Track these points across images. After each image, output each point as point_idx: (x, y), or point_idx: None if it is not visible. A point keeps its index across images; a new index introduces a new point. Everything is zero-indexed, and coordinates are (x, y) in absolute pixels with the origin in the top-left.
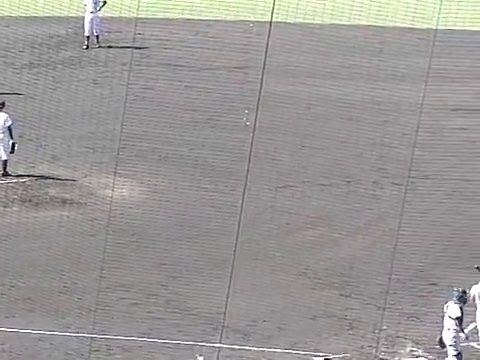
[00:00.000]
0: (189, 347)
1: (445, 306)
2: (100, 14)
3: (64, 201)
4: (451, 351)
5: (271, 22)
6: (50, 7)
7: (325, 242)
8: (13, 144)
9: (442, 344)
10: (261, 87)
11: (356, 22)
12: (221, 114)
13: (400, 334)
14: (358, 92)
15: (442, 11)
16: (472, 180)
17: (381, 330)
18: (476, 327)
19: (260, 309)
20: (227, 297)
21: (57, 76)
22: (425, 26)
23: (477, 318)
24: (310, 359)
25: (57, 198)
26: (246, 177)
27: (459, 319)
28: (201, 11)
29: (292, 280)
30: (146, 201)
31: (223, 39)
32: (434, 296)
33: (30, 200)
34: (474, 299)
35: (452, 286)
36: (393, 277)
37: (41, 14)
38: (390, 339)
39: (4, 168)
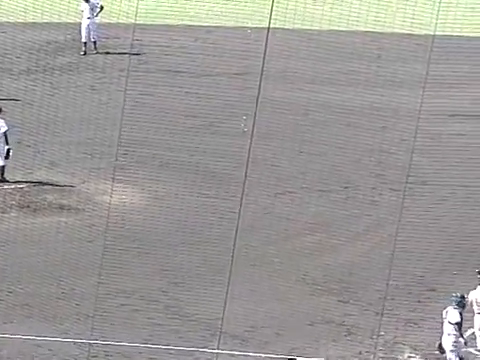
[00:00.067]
0: (188, 353)
1: (444, 312)
2: (97, 20)
3: (62, 207)
4: (452, 357)
5: (269, 28)
6: (48, 13)
7: (323, 248)
8: (8, 150)
9: (441, 350)
10: (259, 93)
11: (354, 28)
12: (221, 120)
13: (398, 340)
14: (356, 98)
15: (440, 17)
16: (470, 186)
17: (379, 336)
18: (474, 333)
19: (258, 315)
20: (225, 303)
21: (55, 82)
22: (423, 32)
23: (475, 324)
24: None
25: (55, 204)
26: (244, 183)
27: (459, 324)
28: (200, 17)
29: (290, 286)
30: (146, 207)
31: (222, 45)
32: (432, 302)
33: (28, 206)
34: (472, 304)
35: (450, 292)
36: (391, 283)
37: (39, 20)
38: (388, 345)
39: (1, 174)
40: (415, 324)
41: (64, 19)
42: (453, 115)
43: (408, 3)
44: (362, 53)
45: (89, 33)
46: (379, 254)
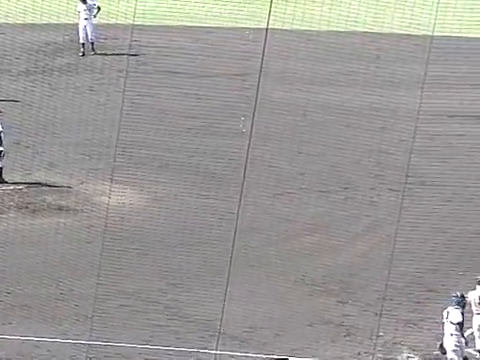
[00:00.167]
0: (188, 354)
1: (445, 312)
2: (95, 21)
3: (61, 208)
4: (455, 357)
5: (267, 29)
6: (47, 14)
7: (323, 249)
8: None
9: (443, 350)
10: (258, 94)
11: (353, 29)
12: (220, 121)
13: (397, 340)
14: (355, 99)
15: (438, 18)
16: (469, 186)
17: (378, 336)
18: (473, 333)
19: (258, 315)
20: (224, 304)
21: (53, 83)
22: (422, 33)
23: (473, 324)
24: None
25: (54, 205)
26: (242, 184)
27: (461, 324)
28: (199, 18)
29: (290, 287)
30: (145, 208)
31: (221, 46)
32: (431, 302)
33: (27, 207)
34: (471, 305)
35: (449, 292)
36: (390, 283)
37: (38, 21)
38: (387, 345)
39: (0, 175)
40: (414, 325)
41: (63, 20)
42: (452, 116)
43: (406, 4)
44: (361, 54)
45: (87, 34)
46: (378, 255)
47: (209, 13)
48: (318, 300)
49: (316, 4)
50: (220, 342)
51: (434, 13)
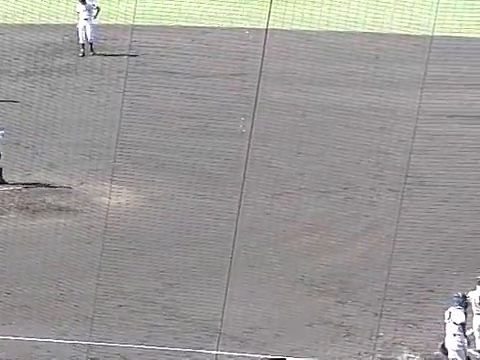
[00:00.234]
0: (186, 354)
1: (446, 313)
2: (96, 21)
3: (60, 208)
4: (458, 357)
5: (267, 29)
6: (46, 15)
7: (322, 249)
8: None
9: (444, 350)
10: (257, 94)
11: (352, 29)
12: (217, 121)
13: (397, 340)
14: (355, 99)
15: (438, 18)
16: (469, 186)
17: (378, 337)
18: (473, 333)
19: (257, 316)
20: (224, 304)
21: (53, 84)
22: (421, 33)
23: (473, 324)
24: None
25: (53, 205)
26: (242, 184)
27: (463, 324)
28: (197, 18)
29: (289, 287)
30: (143, 208)
31: (219, 46)
32: (431, 302)
33: (27, 207)
34: (471, 305)
35: (449, 293)
36: (390, 284)
37: (37, 22)
38: (387, 345)
39: None
40: (414, 325)
41: (62, 21)
42: (452, 116)
43: (406, 4)
44: (360, 54)
45: (86, 35)
46: (378, 255)
47: (207, 13)
48: (317, 300)
49: (315, 4)
50: (220, 342)
51: (434, 13)
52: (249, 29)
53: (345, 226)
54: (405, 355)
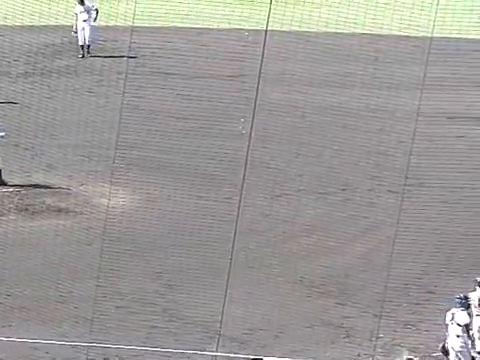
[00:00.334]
0: (186, 356)
1: (449, 314)
2: (95, 23)
3: (60, 210)
4: (462, 358)
5: (266, 30)
6: (45, 16)
7: (321, 250)
8: None
9: (445, 351)
10: (257, 95)
11: (351, 30)
12: (217, 123)
13: (397, 342)
14: (354, 100)
15: (437, 19)
16: (468, 188)
17: (378, 338)
18: (473, 334)
19: (256, 317)
20: (223, 305)
21: (52, 85)
22: (420, 34)
23: (473, 325)
24: None
25: (53, 207)
26: (242, 185)
27: (467, 325)
28: (195, 19)
29: (288, 288)
30: (142, 210)
31: (218, 47)
32: (431, 304)
33: (26, 209)
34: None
35: (448, 294)
36: (389, 285)
37: (36, 23)
38: (387, 347)
39: None
40: (413, 326)
41: (61, 22)
42: (451, 117)
43: (405, 5)
44: (359, 55)
45: (84, 36)
46: (377, 256)
47: (205, 15)
48: (317, 302)
49: (315, 5)
50: (219, 344)
51: (433, 14)
52: (248, 30)
53: (344, 227)
54: (405, 356)
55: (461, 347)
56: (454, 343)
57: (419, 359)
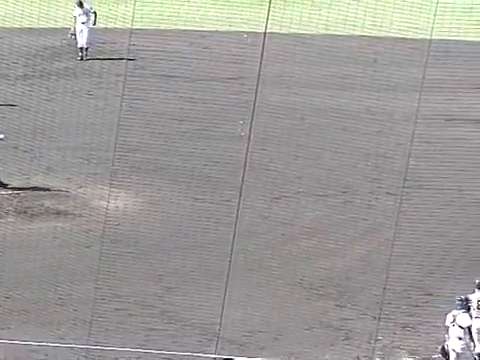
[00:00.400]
0: (185, 358)
1: (449, 316)
2: (94, 26)
3: (59, 212)
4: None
5: (265, 33)
6: (44, 18)
7: (320, 252)
8: None
9: (444, 353)
10: (256, 97)
11: (350, 32)
12: (216, 125)
13: (396, 344)
14: (353, 102)
15: (436, 21)
16: (467, 190)
17: (377, 340)
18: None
19: (256, 319)
20: (222, 308)
21: (51, 87)
22: (419, 36)
23: (473, 327)
24: None
25: (52, 209)
26: (241, 188)
27: (470, 327)
28: (195, 22)
29: (288, 290)
30: (141, 212)
31: (217, 50)
32: (430, 306)
33: (25, 211)
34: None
35: (447, 296)
36: (388, 287)
37: (35, 25)
38: (386, 349)
39: None
40: (412, 328)
41: (60, 24)
42: (449, 119)
43: (404, 7)
44: (358, 57)
45: (83, 37)
46: (376, 258)
47: (205, 17)
48: (316, 304)
49: (314, 8)
50: (218, 346)
51: (432, 16)
52: (247, 33)
53: (343, 230)
54: (403, 358)
55: (462, 349)
56: (455, 345)
57: None
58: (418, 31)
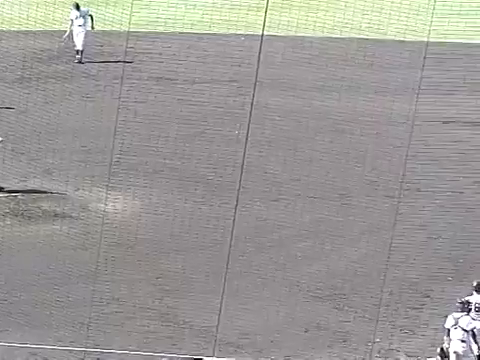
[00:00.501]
0: None
1: (450, 318)
2: (89, 28)
3: (56, 215)
4: None
5: (262, 35)
6: (41, 21)
7: (318, 255)
8: None
9: (443, 355)
10: (253, 100)
11: (347, 35)
12: (213, 127)
13: (393, 346)
14: (350, 105)
15: (433, 23)
16: (465, 192)
17: (374, 342)
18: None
19: (253, 322)
20: (220, 310)
21: (49, 90)
22: (416, 38)
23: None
24: None
25: (49, 212)
26: (238, 190)
27: (473, 330)
28: (192, 25)
29: (285, 293)
30: (139, 215)
31: (215, 53)
32: (427, 308)
33: (22, 214)
34: None
35: (445, 298)
36: (386, 289)
37: (32, 28)
38: (383, 351)
39: None
40: (410, 331)
41: (57, 27)
42: (447, 122)
43: (401, 10)
44: (356, 60)
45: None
46: (374, 261)
47: (202, 20)
48: (314, 306)
49: (311, 10)
50: (216, 348)
51: (429, 19)
52: (245, 35)
53: (341, 232)
54: None
55: (464, 352)
56: (458, 347)
57: None
58: (415, 33)
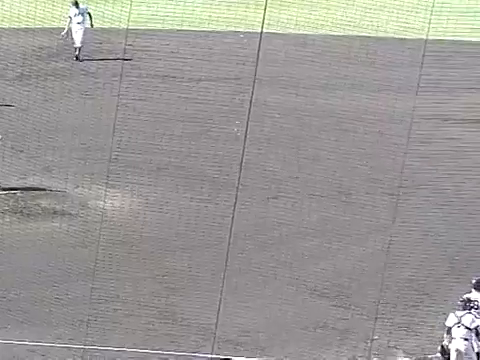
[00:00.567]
0: (183, 358)
1: (452, 316)
2: (88, 25)
3: (56, 212)
4: None
5: (261, 32)
6: (41, 19)
7: (318, 253)
8: None
9: (444, 353)
10: (252, 98)
11: (348, 33)
12: (213, 125)
13: (392, 344)
14: (350, 103)
15: (433, 22)
16: (464, 190)
17: (373, 340)
18: None
19: (252, 319)
20: (219, 307)
21: (48, 87)
22: (416, 37)
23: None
24: None
25: (49, 209)
26: (237, 188)
27: (477, 328)
28: (192, 22)
29: (285, 291)
30: (138, 212)
31: (215, 50)
32: (426, 306)
33: (21, 211)
34: None
35: (444, 296)
36: (385, 287)
37: (32, 26)
38: (382, 349)
39: None
40: (409, 328)
41: (56, 24)
42: (446, 119)
43: (402, 8)
44: (356, 58)
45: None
46: (373, 258)
47: (202, 17)
48: (313, 304)
49: (311, 8)
50: (215, 346)
51: (428, 17)
52: (244, 33)
53: (341, 230)
54: (400, 358)
55: (466, 349)
56: (460, 345)
57: None
58: (415, 32)
